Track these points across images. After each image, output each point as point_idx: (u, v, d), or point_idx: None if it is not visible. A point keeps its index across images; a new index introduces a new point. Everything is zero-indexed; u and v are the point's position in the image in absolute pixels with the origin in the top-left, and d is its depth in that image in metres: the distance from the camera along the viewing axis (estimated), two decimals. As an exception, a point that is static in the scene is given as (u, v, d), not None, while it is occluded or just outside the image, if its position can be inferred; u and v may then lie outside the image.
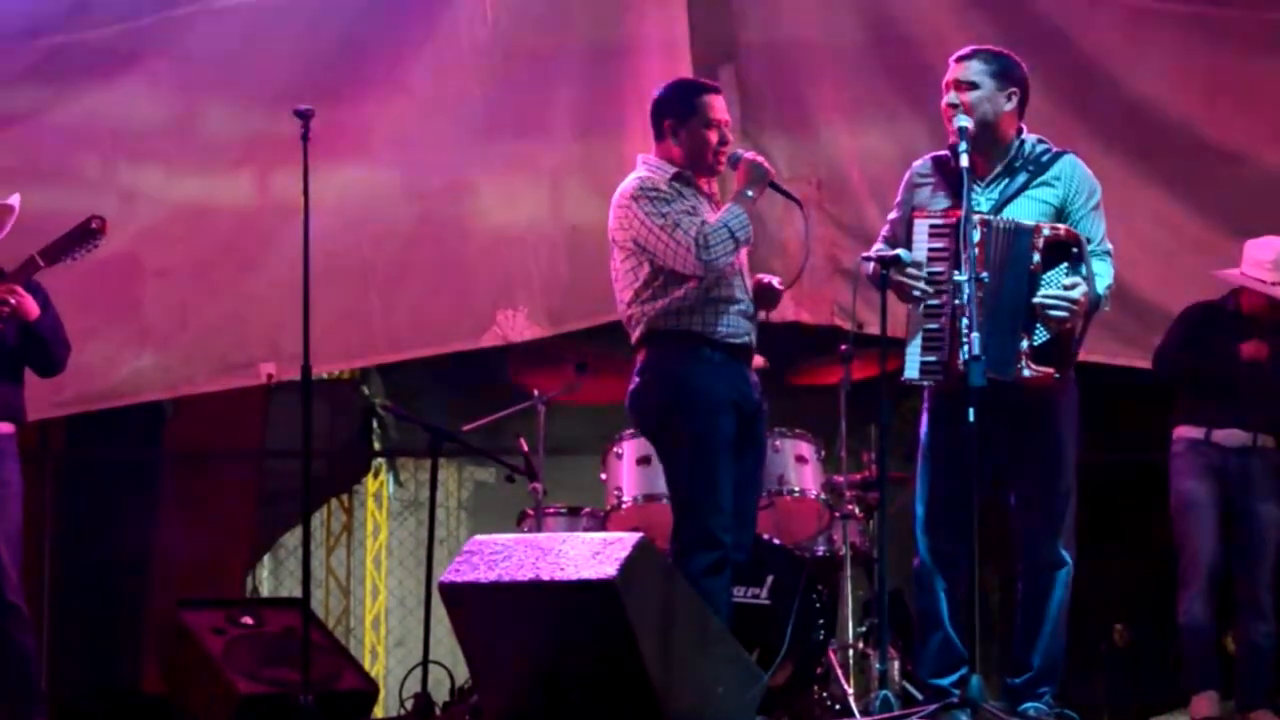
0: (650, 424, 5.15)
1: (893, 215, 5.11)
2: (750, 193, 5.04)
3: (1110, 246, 5.00)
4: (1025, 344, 4.77)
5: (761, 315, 5.20)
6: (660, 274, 5.00)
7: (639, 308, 5.05)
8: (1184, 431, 6.10)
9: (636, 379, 5.09)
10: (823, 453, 6.35)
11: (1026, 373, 4.77)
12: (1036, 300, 4.76)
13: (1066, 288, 4.77)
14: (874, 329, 5.06)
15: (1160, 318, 6.54)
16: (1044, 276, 4.78)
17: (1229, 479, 6.02)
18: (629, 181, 5.09)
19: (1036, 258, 4.78)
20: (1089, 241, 4.88)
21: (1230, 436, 6.02)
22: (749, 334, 5.10)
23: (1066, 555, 4.94)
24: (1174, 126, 6.91)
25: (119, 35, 6.74)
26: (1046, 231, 4.80)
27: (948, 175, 4.95)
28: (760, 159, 5.11)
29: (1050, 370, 4.79)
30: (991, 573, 6.76)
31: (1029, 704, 4.87)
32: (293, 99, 5.44)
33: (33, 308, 5.38)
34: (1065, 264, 4.80)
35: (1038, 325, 4.78)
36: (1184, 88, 6.92)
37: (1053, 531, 4.92)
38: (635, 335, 5.11)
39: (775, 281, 5.20)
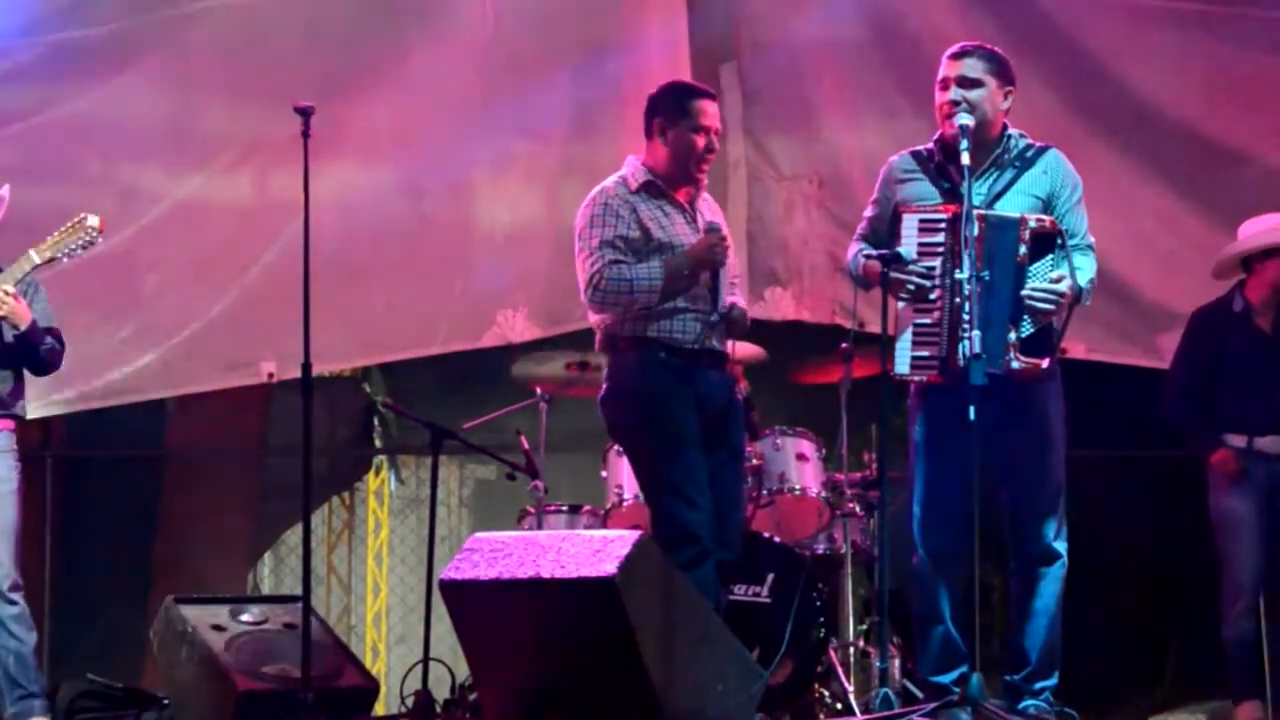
0: (615, 428, 5.22)
1: (869, 212, 5.11)
2: (686, 271, 5.00)
3: (1093, 240, 5.02)
4: (1013, 336, 4.79)
5: (730, 338, 5.19)
6: None
7: (596, 315, 5.11)
8: (1229, 440, 5.96)
9: (603, 385, 5.16)
10: (823, 451, 6.35)
11: (1016, 364, 4.79)
12: (1025, 293, 4.78)
13: (1053, 281, 4.79)
14: (875, 327, 5.06)
15: (1161, 316, 6.54)
16: (1030, 269, 4.80)
17: (1273, 486, 5.92)
18: (598, 188, 5.13)
19: (1023, 250, 4.79)
20: (1073, 235, 4.90)
21: (1273, 443, 5.92)
22: (708, 339, 5.09)
23: (1060, 549, 4.94)
24: (1176, 125, 6.90)
25: (118, 33, 6.73)
26: (1032, 224, 4.81)
27: (931, 171, 4.96)
28: (721, 244, 5.03)
29: (1038, 361, 4.80)
30: (991, 570, 6.74)
31: (1029, 702, 4.87)
32: (293, 97, 5.44)
33: (25, 314, 5.37)
34: (1049, 255, 4.82)
35: (1024, 317, 4.79)
36: (1186, 86, 6.91)
37: (1045, 526, 4.93)
38: (597, 342, 5.18)
39: (739, 319, 5.15)
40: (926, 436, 4.97)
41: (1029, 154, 4.97)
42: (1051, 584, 4.93)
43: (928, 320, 4.84)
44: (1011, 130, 4.99)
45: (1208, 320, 6.11)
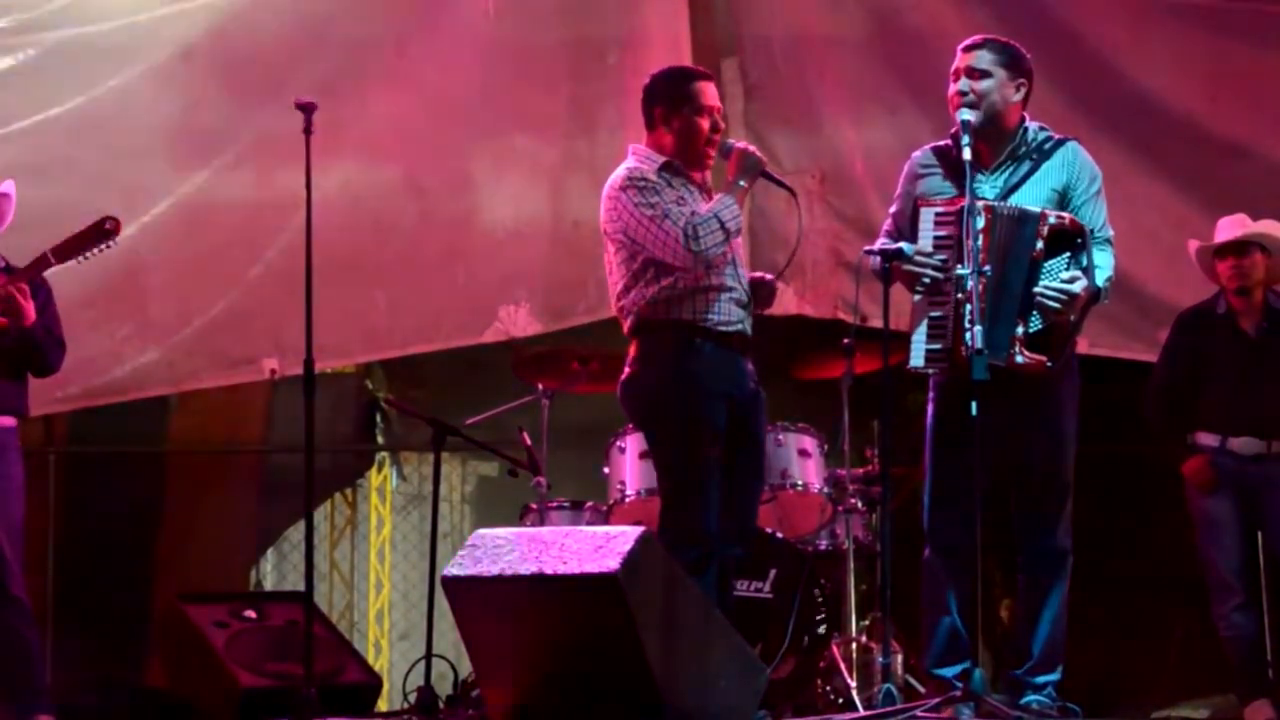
0: (640, 413, 5.14)
1: (894, 208, 5.12)
2: (743, 183, 5.03)
3: (1111, 234, 5.01)
4: (1020, 330, 4.78)
5: (758, 311, 5.19)
6: (651, 265, 4.99)
7: (630, 299, 5.04)
8: (1201, 439, 6.00)
9: (628, 369, 5.09)
10: (825, 446, 6.34)
11: (1019, 359, 4.78)
12: (1036, 290, 4.77)
13: (1066, 281, 4.78)
14: (877, 322, 5.07)
15: (1164, 311, 6.54)
16: (1045, 265, 4.79)
17: (1248, 486, 5.94)
18: (618, 173, 5.07)
19: (1039, 245, 4.79)
20: (1091, 230, 4.89)
21: (1246, 445, 5.94)
22: (742, 322, 5.07)
23: (1067, 546, 4.95)
24: (1178, 119, 6.90)
25: (121, 30, 6.73)
26: (1052, 220, 4.81)
27: (950, 165, 4.96)
28: (751, 148, 5.09)
29: (1042, 358, 4.80)
30: (994, 565, 6.75)
31: (1031, 697, 4.87)
32: (295, 93, 5.44)
33: (31, 313, 5.37)
34: (1067, 254, 4.81)
35: (1034, 313, 4.79)
36: (1188, 80, 6.90)
37: (1052, 522, 4.93)
38: (627, 326, 5.10)
39: (767, 275, 5.19)
40: (936, 430, 4.99)
41: (1047, 146, 4.97)
42: (1058, 580, 4.93)
43: (940, 313, 4.85)
44: (1030, 123, 4.99)
45: (1192, 322, 6.13)
